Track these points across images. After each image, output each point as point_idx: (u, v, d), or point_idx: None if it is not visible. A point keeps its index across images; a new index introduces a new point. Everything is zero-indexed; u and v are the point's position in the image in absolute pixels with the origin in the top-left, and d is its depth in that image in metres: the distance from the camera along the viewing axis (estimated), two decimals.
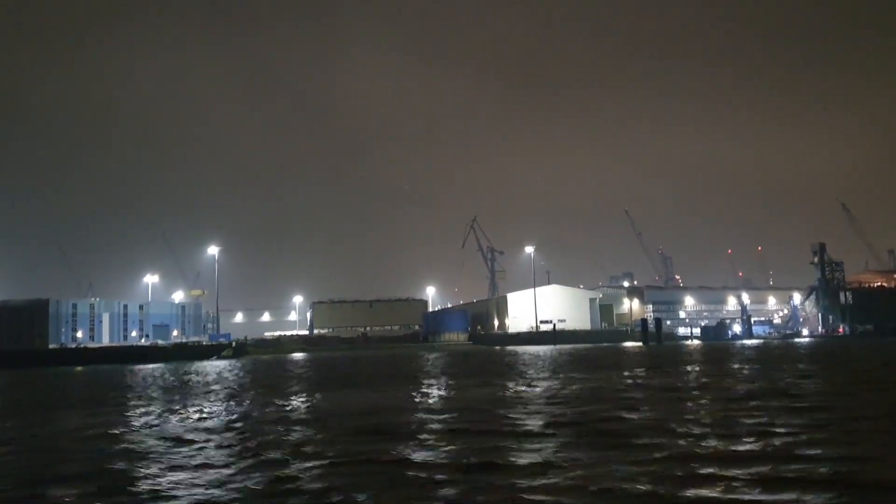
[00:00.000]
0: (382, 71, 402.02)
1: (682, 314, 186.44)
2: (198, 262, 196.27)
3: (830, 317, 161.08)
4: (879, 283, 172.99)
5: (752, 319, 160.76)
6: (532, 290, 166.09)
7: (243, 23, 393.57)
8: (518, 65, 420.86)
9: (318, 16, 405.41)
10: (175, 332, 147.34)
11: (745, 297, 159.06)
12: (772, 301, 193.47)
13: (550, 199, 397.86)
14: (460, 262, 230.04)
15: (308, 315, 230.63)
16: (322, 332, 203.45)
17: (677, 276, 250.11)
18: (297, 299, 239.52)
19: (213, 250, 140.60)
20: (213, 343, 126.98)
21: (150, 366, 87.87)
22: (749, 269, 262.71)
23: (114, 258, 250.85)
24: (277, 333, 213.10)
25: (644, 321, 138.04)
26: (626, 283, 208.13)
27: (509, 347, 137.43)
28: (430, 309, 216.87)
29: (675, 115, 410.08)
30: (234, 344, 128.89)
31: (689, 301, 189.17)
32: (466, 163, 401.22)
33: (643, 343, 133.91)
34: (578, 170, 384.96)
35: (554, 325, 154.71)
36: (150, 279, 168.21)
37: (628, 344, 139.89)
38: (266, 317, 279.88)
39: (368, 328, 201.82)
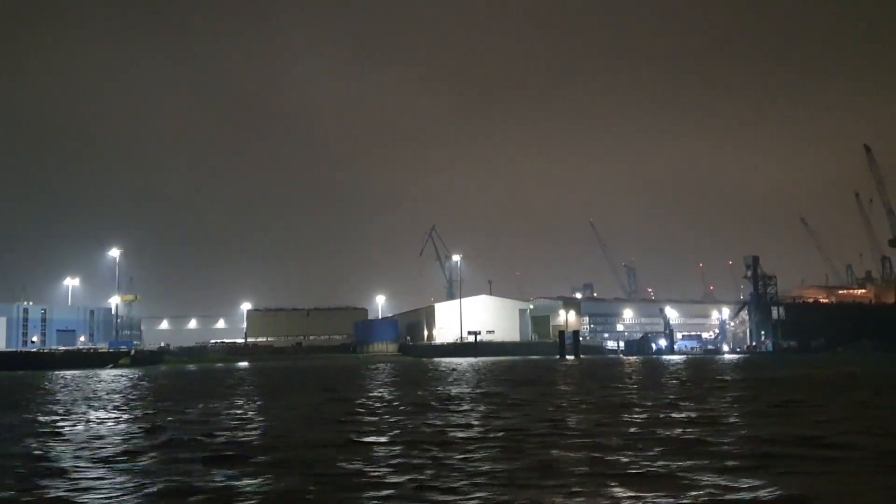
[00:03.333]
0: (331, 76, 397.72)
1: (619, 327, 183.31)
2: (133, 267, 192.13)
3: (762, 332, 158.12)
4: (815, 299, 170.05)
5: (681, 334, 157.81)
6: (458, 300, 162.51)
7: (185, 32, 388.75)
8: (478, 69, 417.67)
9: (259, 23, 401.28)
10: (82, 338, 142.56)
11: (668, 311, 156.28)
12: (714, 315, 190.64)
13: (515, 208, 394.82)
14: (418, 270, 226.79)
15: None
16: (258, 340, 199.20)
17: (649, 289, 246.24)
18: (246, 306, 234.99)
19: (114, 253, 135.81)
20: (111, 350, 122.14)
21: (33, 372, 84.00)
22: (723, 282, 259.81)
23: (50, 263, 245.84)
24: (226, 340, 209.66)
25: (562, 333, 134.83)
26: (578, 295, 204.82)
27: (435, 359, 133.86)
28: (379, 317, 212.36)
29: (645, 122, 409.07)
30: (132, 352, 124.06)
31: (628, 314, 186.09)
32: (427, 170, 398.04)
33: (559, 356, 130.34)
34: (544, 178, 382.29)
35: (476, 336, 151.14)
36: (71, 282, 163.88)
37: (557, 357, 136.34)
38: (221, 324, 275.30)
39: (305, 337, 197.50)
